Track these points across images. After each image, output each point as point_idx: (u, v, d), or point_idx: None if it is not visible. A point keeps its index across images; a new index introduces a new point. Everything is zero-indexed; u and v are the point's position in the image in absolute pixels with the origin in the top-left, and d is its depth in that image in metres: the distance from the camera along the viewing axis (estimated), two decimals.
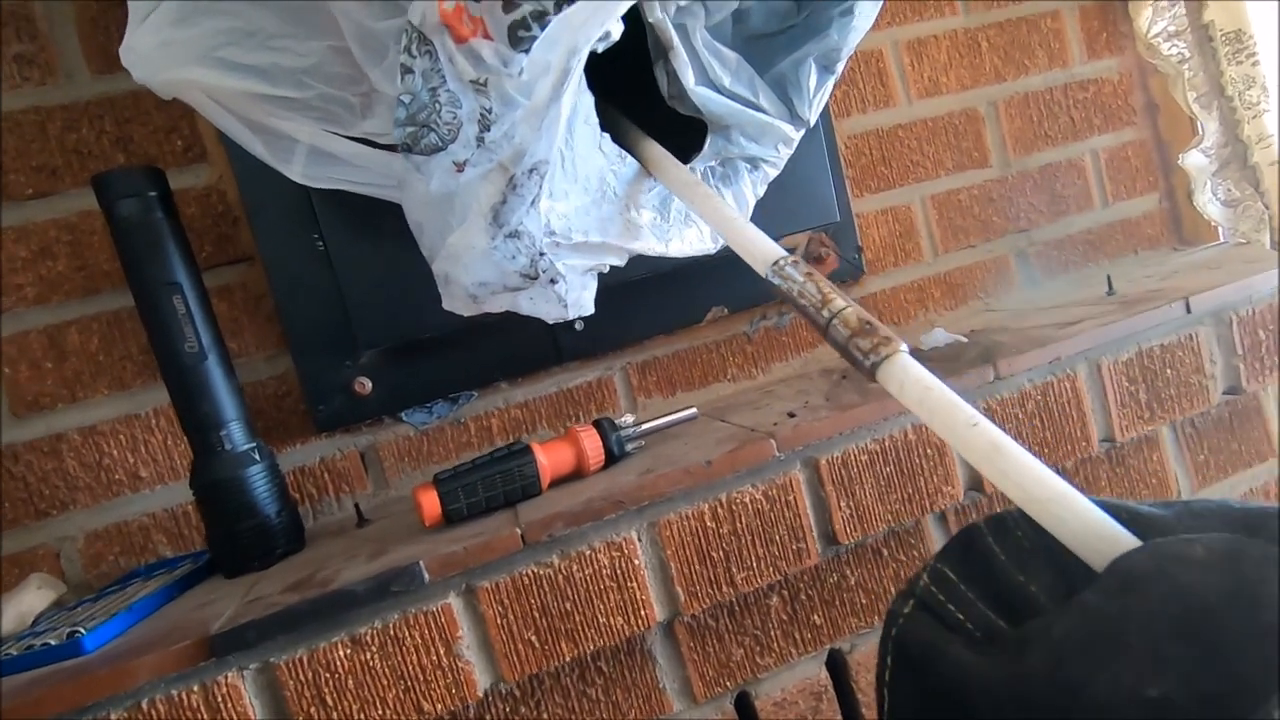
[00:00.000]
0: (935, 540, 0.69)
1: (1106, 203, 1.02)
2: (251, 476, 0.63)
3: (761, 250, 0.37)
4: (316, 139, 0.48)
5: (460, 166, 0.36)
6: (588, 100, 0.37)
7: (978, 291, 0.97)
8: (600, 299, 0.78)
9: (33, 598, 0.62)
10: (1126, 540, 0.24)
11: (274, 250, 0.71)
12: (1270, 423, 0.79)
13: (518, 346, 0.79)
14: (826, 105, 0.88)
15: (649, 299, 0.82)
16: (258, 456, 0.64)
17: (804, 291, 0.35)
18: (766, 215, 0.76)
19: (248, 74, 0.44)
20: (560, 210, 0.40)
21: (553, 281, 0.42)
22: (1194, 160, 0.94)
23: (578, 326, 0.79)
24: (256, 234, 0.71)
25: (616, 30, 0.35)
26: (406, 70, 0.34)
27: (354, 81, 0.48)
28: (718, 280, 0.83)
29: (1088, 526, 0.25)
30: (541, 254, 0.39)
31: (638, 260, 0.65)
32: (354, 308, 0.68)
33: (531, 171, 0.36)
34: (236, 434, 0.63)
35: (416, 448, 0.79)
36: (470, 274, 0.41)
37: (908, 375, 0.27)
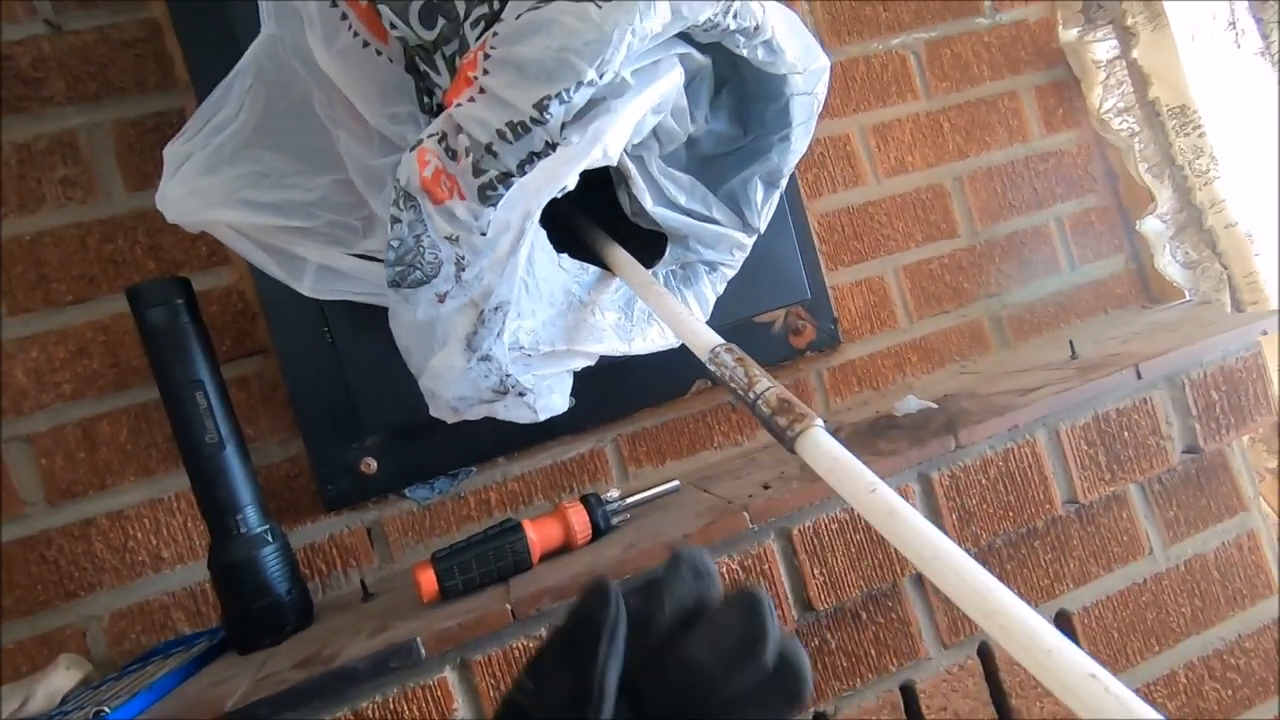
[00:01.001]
0: (913, 602, 0.72)
1: (1074, 266, 1.07)
2: (265, 558, 0.68)
3: (702, 340, 0.42)
4: (324, 258, 0.55)
5: (442, 298, 0.42)
6: (541, 234, 0.43)
7: (954, 355, 1.02)
8: (590, 377, 0.84)
9: (61, 677, 0.66)
10: (999, 594, 0.28)
11: (287, 343, 0.77)
12: (1238, 477, 0.82)
13: (513, 424, 0.84)
14: (797, 187, 0.96)
15: (636, 374, 0.87)
16: (270, 538, 0.69)
17: (734, 376, 0.40)
18: (741, 296, 0.82)
19: (265, 210, 0.50)
20: (528, 327, 0.46)
21: (521, 394, 0.47)
22: (1151, 226, 1.00)
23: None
24: (272, 329, 0.77)
25: (572, 182, 0.41)
26: (395, 220, 0.41)
27: (356, 207, 0.55)
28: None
29: (966, 581, 0.29)
30: (508, 375, 0.45)
31: None
32: (359, 394, 0.74)
33: (496, 309, 0.42)
34: (251, 517, 0.68)
35: (420, 522, 0.83)
36: (450, 390, 0.46)
37: (819, 448, 0.31)
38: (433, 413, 0.52)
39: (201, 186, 0.48)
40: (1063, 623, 0.75)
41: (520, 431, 0.85)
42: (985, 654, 0.72)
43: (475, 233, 0.39)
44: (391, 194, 0.41)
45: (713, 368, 0.41)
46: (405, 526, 0.83)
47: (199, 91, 0.76)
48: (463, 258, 0.40)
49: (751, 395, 0.37)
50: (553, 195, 0.39)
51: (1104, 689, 0.23)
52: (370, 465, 0.79)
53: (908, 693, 0.70)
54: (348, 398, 0.76)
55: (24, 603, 0.74)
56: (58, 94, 0.77)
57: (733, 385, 0.39)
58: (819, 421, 0.31)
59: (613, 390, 0.87)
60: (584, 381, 0.84)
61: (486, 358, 0.44)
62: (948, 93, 1.05)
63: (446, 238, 0.39)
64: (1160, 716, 0.22)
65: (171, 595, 0.77)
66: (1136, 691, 0.76)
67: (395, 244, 0.41)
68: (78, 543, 0.75)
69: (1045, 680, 0.24)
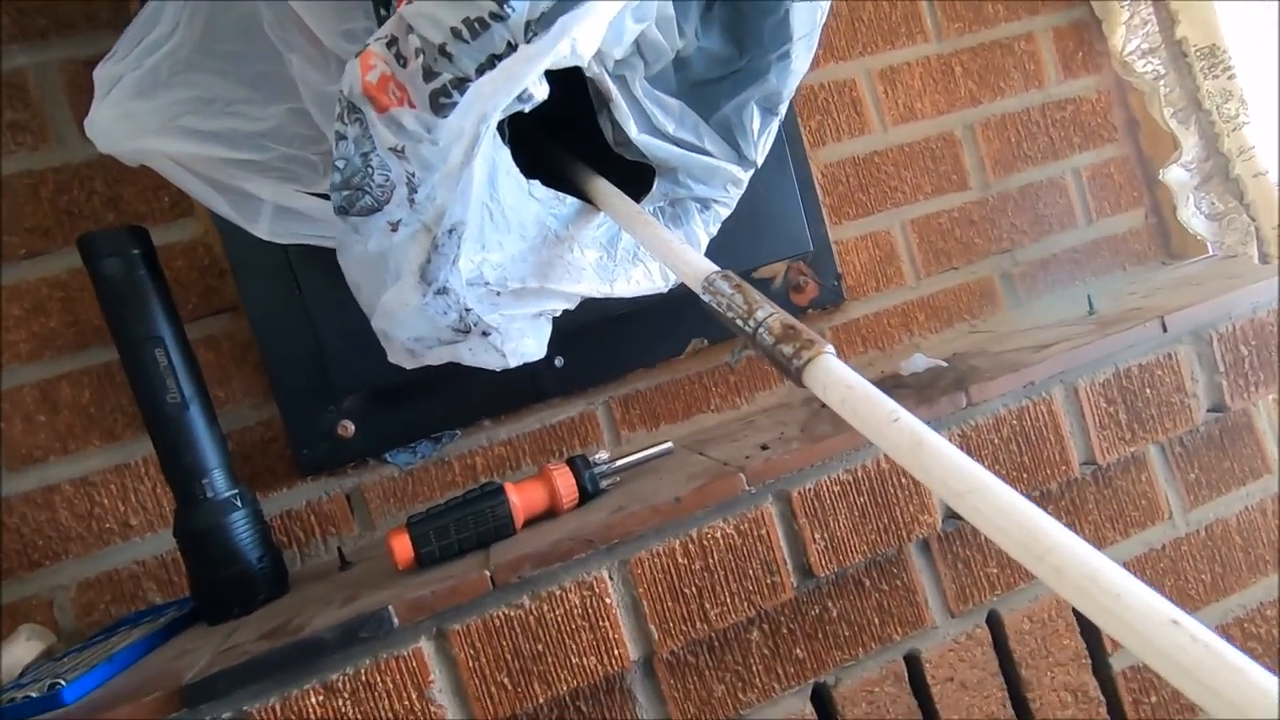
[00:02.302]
0: (919, 568, 0.68)
1: (1091, 220, 1.01)
2: (234, 524, 0.64)
3: (696, 269, 0.38)
4: (280, 197, 0.50)
5: (394, 226, 0.37)
6: (505, 155, 0.39)
7: (963, 313, 0.97)
8: (579, 335, 0.79)
9: (21, 649, 0.63)
10: (1051, 530, 0.23)
11: (257, 300, 0.73)
12: (1263, 438, 0.78)
13: (499, 385, 0.80)
14: (799, 135, 0.90)
15: (629, 333, 0.82)
16: (239, 503, 0.65)
17: (732, 304, 0.36)
18: (738, 248, 0.77)
19: (209, 140, 0.46)
20: (494, 260, 0.42)
21: (484, 334, 0.43)
22: (1175, 175, 0.94)
23: (557, 363, 0.80)
24: (240, 285, 0.73)
25: (540, 91, 0.36)
26: (340, 136, 0.36)
27: (314, 141, 0.50)
28: (696, 312, 0.83)
29: (1011, 517, 0.24)
30: (468, 309, 0.41)
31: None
32: (332, 353, 0.70)
33: (451, 232, 0.37)
34: (219, 482, 0.65)
35: (401, 488, 0.80)
36: (405, 330, 0.42)
37: (830, 376, 0.27)
38: (390, 358, 0.48)
39: (134, 111, 0.43)
40: None
41: (507, 394, 0.81)
42: (995, 622, 0.69)
43: (424, 142, 0.34)
44: (336, 107, 0.36)
45: (708, 298, 0.37)
46: (386, 493, 0.79)
47: None
48: (413, 175, 0.35)
49: (752, 324, 0.33)
50: (512, 98, 0.34)
51: (1189, 637, 0.19)
52: (348, 428, 0.75)
53: (912, 663, 0.67)
54: (322, 357, 0.72)
55: None
56: (3, 31, 0.72)
57: (730, 315, 0.35)
58: (829, 348, 0.26)
59: (604, 350, 0.83)
60: (574, 341, 0.80)
61: (443, 290, 0.39)
62: (960, 35, 0.98)
63: (391, 149, 0.34)
64: (1256, 666, 0.18)
65: (141, 564, 0.74)
66: None
67: (341, 164, 0.36)
68: (41, 510, 0.72)
69: (1113, 629, 0.20)
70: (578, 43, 0.33)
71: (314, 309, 0.69)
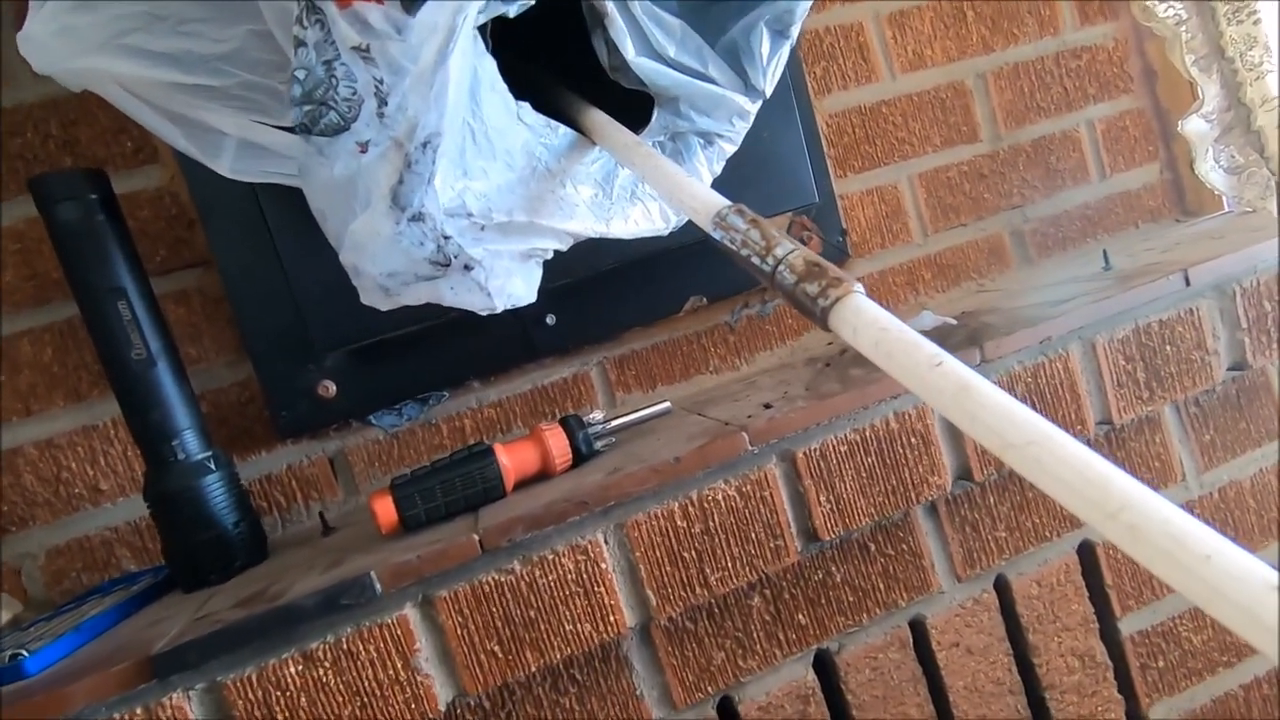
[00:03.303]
0: (926, 532, 0.66)
1: (1104, 175, 0.97)
2: (207, 487, 0.61)
3: (704, 203, 0.34)
4: (244, 130, 0.45)
5: (364, 147, 0.33)
6: (490, 65, 0.34)
7: (971, 272, 0.94)
8: (572, 292, 0.75)
9: None
10: (1124, 485, 0.20)
11: (228, 252, 0.68)
12: None
13: (489, 343, 0.76)
14: (804, 82, 0.85)
15: (623, 290, 0.79)
16: (213, 466, 0.61)
17: (748, 240, 0.32)
18: (739, 198, 0.73)
19: (159, 62, 0.41)
20: (477, 189, 0.37)
21: (467, 268, 0.39)
22: (1194, 126, 0.90)
23: (549, 321, 0.76)
24: (210, 236, 0.68)
25: None
26: (299, 43, 0.31)
27: (279, 68, 0.45)
28: (695, 268, 0.80)
29: (1076, 471, 0.21)
30: (447, 236, 0.37)
31: (607, 249, 0.62)
32: (308, 309, 0.66)
33: (425, 145, 0.33)
34: (190, 443, 0.61)
35: (387, 452, 0.76)
36: (378, 264, 0.38)
37: (860, 318, 0.24)
38: (362, 298, 0.44)
39: (74, 25, 0.39)
40: (1086, 554, 0.69)
41: (497, 353, 0.78)
42: (1002, 587, 0.67)
43: (393, 40, 0.30)
44: (295, 9, 0.31)
45: (720, 234, 0.33)
46: (371, 456, 0.76)
47: None
48: (381, 82, 0.31)
49: (770, 261, 0.30)
50: None
51: None
52: (329, 388, 0.71)
53: (918, 628, 0.65)
54: (299, 313, 0.68)
55: None
56: None
57: (746, 253, 0.31)
58: (859, 287, 0.23)
59: (598, 308, 0.79)
60: (567, 298, 0.76)
61: (418, 217, 0.35)
62: None
63: (355, 49, 0.30)
64: None
65: (114, 530, 0.70)
66: (1160, 625, 0.70)
67: (301, 75, 0.32)
68: (4, 475, 0.68)
69: (1201, 598, 0.17)
70: None
71: (288, 260, 0.65)
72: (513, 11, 0.33)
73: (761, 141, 0.70)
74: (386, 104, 0.32)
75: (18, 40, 0.40)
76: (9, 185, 0.68)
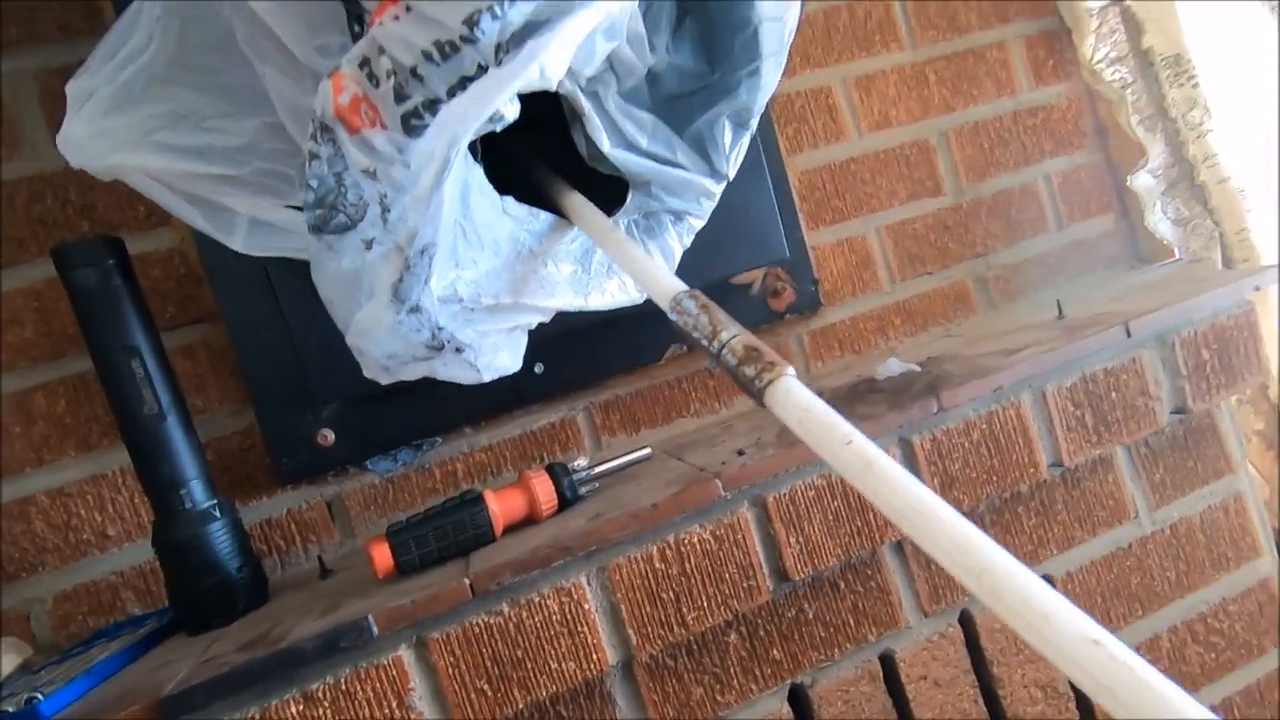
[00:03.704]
0: (893, 569, 0.70)
1: (1062, 225, 1.03)
2: (213, 534, 0.64)
3: (664, 288, 0.39)
4: (256, 211, 0.50)
5: (369, 244, 0.37)
6: (478, 173, 0.39)
7: (938, 317, 0.99)
8: (559, 342, 0.80)
9: None
10: (988, 551, 0.25)
11: (234, 308, 0.73)
12: (1226, 439, 0.80)
13: (480, 391, 0.79)
14: (776, 143, 0.91)
15: (607, 340, 0.83)
16: (218, 514, 0.65)
17: (698, 324, 0.37)
18: (717, 255, 0.78)
19: (184, 155, 0.46)
20: (468, 277, 0.42)
21: (458, 350, 0.43)
22: (1142, 182, 0.96)
23: (537, 370, 0.81)
24: (217, 293, 0.73)
25: (511, 112, 0.37)
26: (314, 156, 0.36)
27: (289, 155, 0.50)
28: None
29: (951, 538, 0.25)
30: (440, 328, 0.41)
31: None
32: (310, 361, 0.70)
33: (422, 253, 0.38)
34: (197, 492, 0.65)
35: (382, 496, 0.80)
36: (380, 347, 0.42)
37: (789, 399, 0.28)
38: (365, 373, 0.48)
39: (108, 127, 0.43)
40: None
41: (488, 400, 0.82)
42: (967, 621, 0.70)
43: (394, 165, 0.34)
44: (309, 127, 0.36)
45: (675, 316, 0.37)
46: (367, 500, 0.80)
47: None
48: (385, 196, 0.36)
49: (716, 344, 0.34)
50: (483, 120, 0.35)
51: (1109, 656, 0.20)
52: (327, 436, 0.75)
53: (887, 662, 0.68)
54: (300, 365, 0.72)
55: None
56: None
57: (696, 335, 0.36)
58: (790, 370, 0.27)
59: (584, 357, 0.83)
60: (554, 348, 0.80)
61: (416, 309, 0.40)
62: (934, 43, 1.00)
63: (364, 171, 0.35)
64: (1174, 686, 0.19)
65: (120, 575, 0.73)
66: None
67: (314, 183, 0.36)
68: (16, 522, 0.71)
69: (1041, 646, 0.21)
70: (546, 67, 0.34)
71: (291, 317, 0.69)
72: (499, 128, 0.38)
73: (735, 202, 0.75)
74: (390, 212, 0.36)
75: (57, 141, 0.45)
76: (29, 247, 0.72)
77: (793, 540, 0.62)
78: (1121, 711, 0.19)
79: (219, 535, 0.64)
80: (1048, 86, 1.04)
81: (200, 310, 0.76)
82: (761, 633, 0.65)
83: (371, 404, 0.77)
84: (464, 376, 0.45)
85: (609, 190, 0.50)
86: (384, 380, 0.47)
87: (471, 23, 0.32)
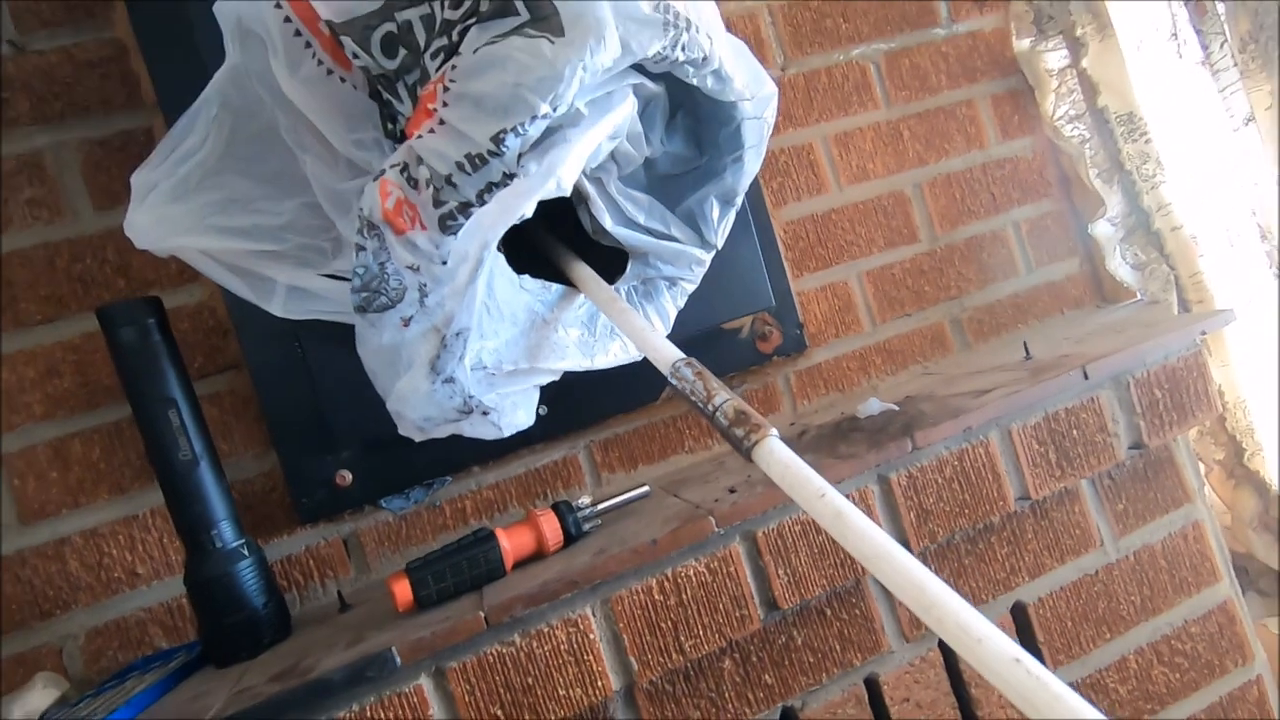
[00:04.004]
0: (875, 597, 0.75)
1: (1031, 269, 1.10)
2: (241, 572, 0.69)
3: (664, 355, 0.44)
4: (293, 279, 0.56)
5: (406, 322, 0.43)
6: (500, 260, 0.45)
7: (917, 356, 1.05)
8: (561, 385, 0.85)
9: (38, 696, 0.66)
10: (935, 588, 0.30)
11: (259, 358, 0.78)
12: (1183, 470, 0.86)
13: None
14: (761, 197, 0.98)
15: (606, 382, 0.88)
16: (246, 552, 0.70)
17: (694, 390, 0.43)
18: (709, 304, 0.84)
19: (234, 235, 0.52)
20: (490, 347, 0.48)
21: (485, 413, 0.49)
22: (1101, 229, 1.03)
23: (541, 411, 0.86)
24: (243, 344, 0.78)
25: (529, 211, 0.43)
26: (360, 248, 0.42)
27: (324, 230, 0.56)
28: None
29: (906, 577, 0.31)
30: (471, 396, 0.47)
31: None
32: (332, 407, 0.76)
33: (458, 335, 0.44)
34: (226, 532, 0.69)
35: (395, 532, 0.85)
36: (416, 411, 0.48)
37: (773, 456, 0.33)
38: (401, 431, 0.54)
39: (169, 214, 0.49)
40: (1019, 614, 0.79)
41: (494, 441, 0.87)
42: (946, 645, 0.75)
43: (436, 262, 0.40)
44: (356, 222, 0.42)
45: (674, 381, 0.43)
46: (381, 537, 0.84)
47: (165, 110, 0.76)
48: (424, 285, 0.41)
49: (710, 408, 0.40)
50: (509, 225, 0.41)
51: (1026, 671, 0.26)
52: (345, 477, 0.80)
53: (872, 685, 0.73)
54: (321, 411, 0.77)
55: None
56: (23, 115, 0.77)
57: (693, 398, 0.41)
58: (773, 432, 0.33)
59: (584, 398, 0.89)
60: (556, 390, 0.86)
61: (450, 380, 0.46)
62: (907, 102, 1.08)
63: (408, 266, 0.41)
64: (1072, 692, 0.24)
65: (148, 611, 0.78)
66: (1088, 678, 0.79)
67: (360, 271, 0.42)
68: (52, 562, 0.76)
69: (976, 665, 0.26)
70: (562, 179, 0.40)
71: (315, 366, 0.75)
72: (519, 220, 0.44)
73: (725, 255, 0.81)
74: (427, 296, 0.42)
75: (124, 227, 0.51)
76: (70, 305, 0.77)
77: (781, 572, 0.68)
78: (1034, 713, 0.25)
79: (246, 573, 0.69)
80: (1014, 140, 1.12)
81: (226, 360, 0.82)
82: (754, 659, 0.70)
83: (387, 446, 0.82)
84: (487, 434, 0.51)
85: (611, 258, 0.56)
86: (418, 438, 0.53)
87: (498, 139, 0.38)
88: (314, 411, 0.78)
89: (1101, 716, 0.25)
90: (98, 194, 0.79)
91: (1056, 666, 0.78)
